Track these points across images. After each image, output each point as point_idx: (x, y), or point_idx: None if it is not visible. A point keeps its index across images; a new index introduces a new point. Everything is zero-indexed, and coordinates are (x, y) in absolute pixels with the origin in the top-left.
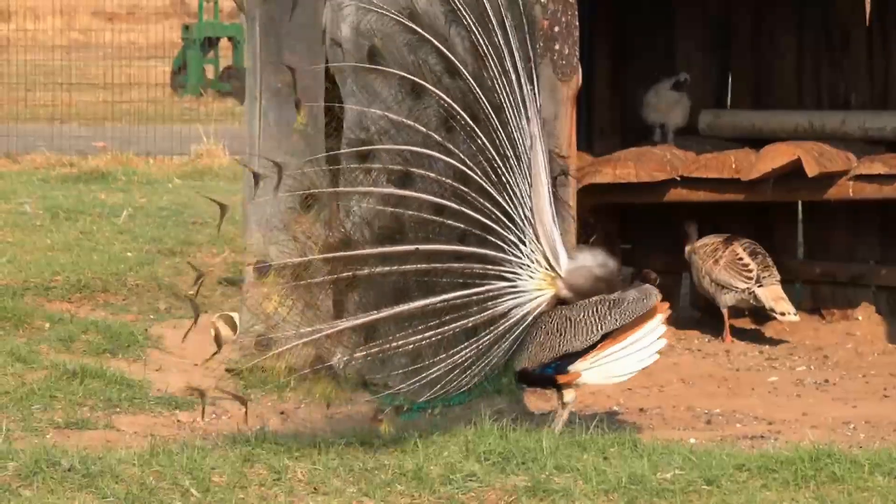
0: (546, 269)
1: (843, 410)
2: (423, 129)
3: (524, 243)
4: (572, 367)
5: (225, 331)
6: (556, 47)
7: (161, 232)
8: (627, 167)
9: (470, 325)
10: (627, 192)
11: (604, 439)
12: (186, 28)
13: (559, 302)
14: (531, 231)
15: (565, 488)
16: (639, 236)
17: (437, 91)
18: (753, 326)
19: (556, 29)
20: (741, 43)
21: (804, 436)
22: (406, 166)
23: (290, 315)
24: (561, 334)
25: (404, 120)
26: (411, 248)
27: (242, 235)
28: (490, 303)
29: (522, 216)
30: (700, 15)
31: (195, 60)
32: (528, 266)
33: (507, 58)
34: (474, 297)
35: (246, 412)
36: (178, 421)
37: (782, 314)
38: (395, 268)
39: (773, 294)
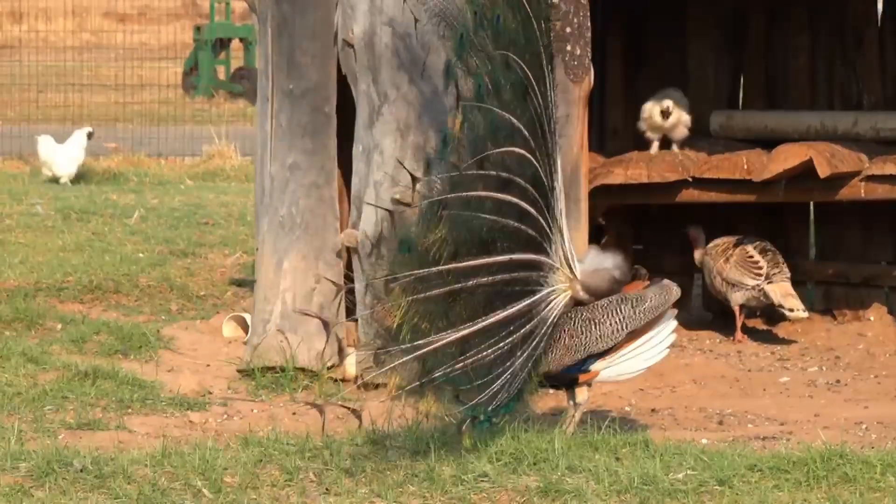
0: (566, 270)
1: (855, 411)
2: (527, 133)
3: (555, 247)
4: (593, 366)
5: (237, 332)
6: (568, 48)
7: (173, 233)
8: (639, 168)
9: (527, 331)
10: (639, 192)
11: (616, 440)
12: (198, 29)
13: (576, 303)
14: (558, 234)
15: (577, 489)
16: (651, 237)
17: (537, 94)
18: (765, 327)
19: (568, 30)
20: (754, 44)
21: (816, 436)
22: (509, 173)
23: (406, 328)
24: (585, 336)
25: (520, 126)
26: (506, 258)
27: (254, 236)
28: (539, 307)
29: (554, 219)
30: (712, 16)
31: (207, 61)
32: (557, 269)
33: (548, 57)
34: (534, 304)
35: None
36: (190, 422)
37: (791, 310)
38: (490, 278)
39: (782, 290)
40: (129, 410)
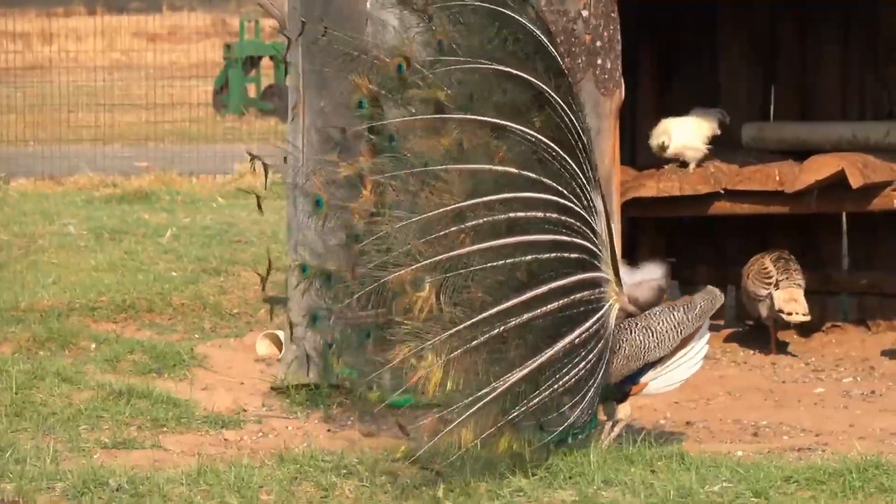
0: (614, 284)
1: (891, 421)
2: (515, 171)
3: (604, 262)
4: (643, 378)
5: (271, 349)
6: (599, 62)
7: (205, 251)
8: (671, 180)
9: (602, 348)
10: (671, 205)
11: (651, 453)
12: (228, 47)
13: (626, 315)
14: (605, 249)
15: (613, 502)
16: (684, 249)
17: (523, 129)
18: (799, 338)
19: (599, 43)
20: (785, 55)
21: (851, 447)
22: (507, 212)
23: (458, 385)
24: (644, 344)
25: (496, 168)
26: (545, 289)
27: (286, 254)
28: (606, 323)
29: (601, 235)
30: (743, 28)
31: (237, 80)
32: (609, 282)
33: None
34: (603, 321)
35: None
36: (225, 440)
37: (789, 314)
38: (540, 310)
39: (786, 296)
40: (164, 429)
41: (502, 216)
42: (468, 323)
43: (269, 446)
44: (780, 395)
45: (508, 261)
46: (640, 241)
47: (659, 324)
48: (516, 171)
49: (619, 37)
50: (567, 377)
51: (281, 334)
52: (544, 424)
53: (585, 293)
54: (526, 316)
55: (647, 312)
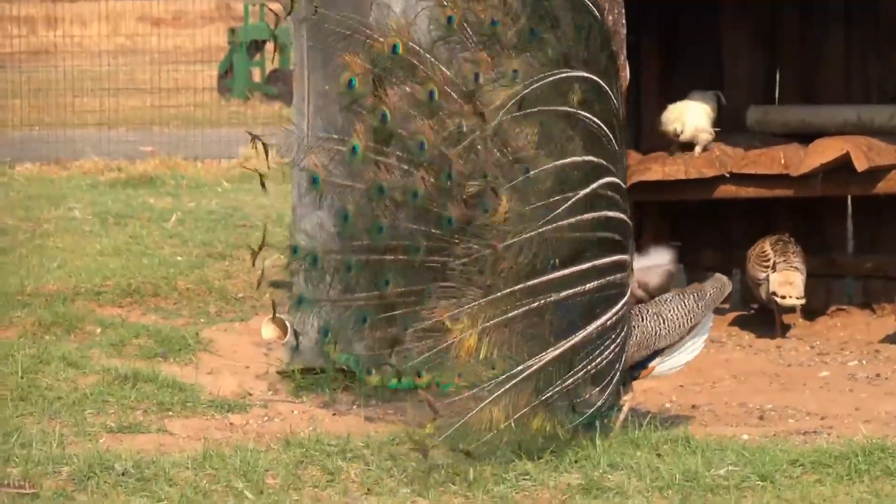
0: (631, 267)
1: None
2: (595, 159)
3: (630, 244)
4: (651, 363)
5: (276, 333)
6: None
7: (210, 236)
8: (676, 164)
9: (627, 331)
10: (676, 189)
11: (657, 436)
12: (232, 31)
13: (636, 301)
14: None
15: (619, 486)
16: (689, 233)
17: (587, 115)
18: (804, 322)
19: None
20: (789, 38)
21: (857, 430)
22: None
23: (492, 357)
24: (655, 331)
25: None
26: (588, 265)
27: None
28: (628, 307)
29: (630, 218)
30: (747, 11)
31: (241, 64)
32: (630, 266)
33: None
34: (627, 305)
35: None
36: (231, 424)
37: (782, 297)
38: (580, 288)
39: (781, 278)
40: (170, 413)
41: (589, 189)
42: (507, 291)
43: (275, 430)
44: (785, 378)
45: (568, 234)
46: (645, 225)
47: (670, 311)
48: (595, 159)
49: (623, 21)
50: (599, 359)
51: (287, 318)
52: (577, 406)
53: (618, 275)
54: (565, 293)
55: (657, 299)
